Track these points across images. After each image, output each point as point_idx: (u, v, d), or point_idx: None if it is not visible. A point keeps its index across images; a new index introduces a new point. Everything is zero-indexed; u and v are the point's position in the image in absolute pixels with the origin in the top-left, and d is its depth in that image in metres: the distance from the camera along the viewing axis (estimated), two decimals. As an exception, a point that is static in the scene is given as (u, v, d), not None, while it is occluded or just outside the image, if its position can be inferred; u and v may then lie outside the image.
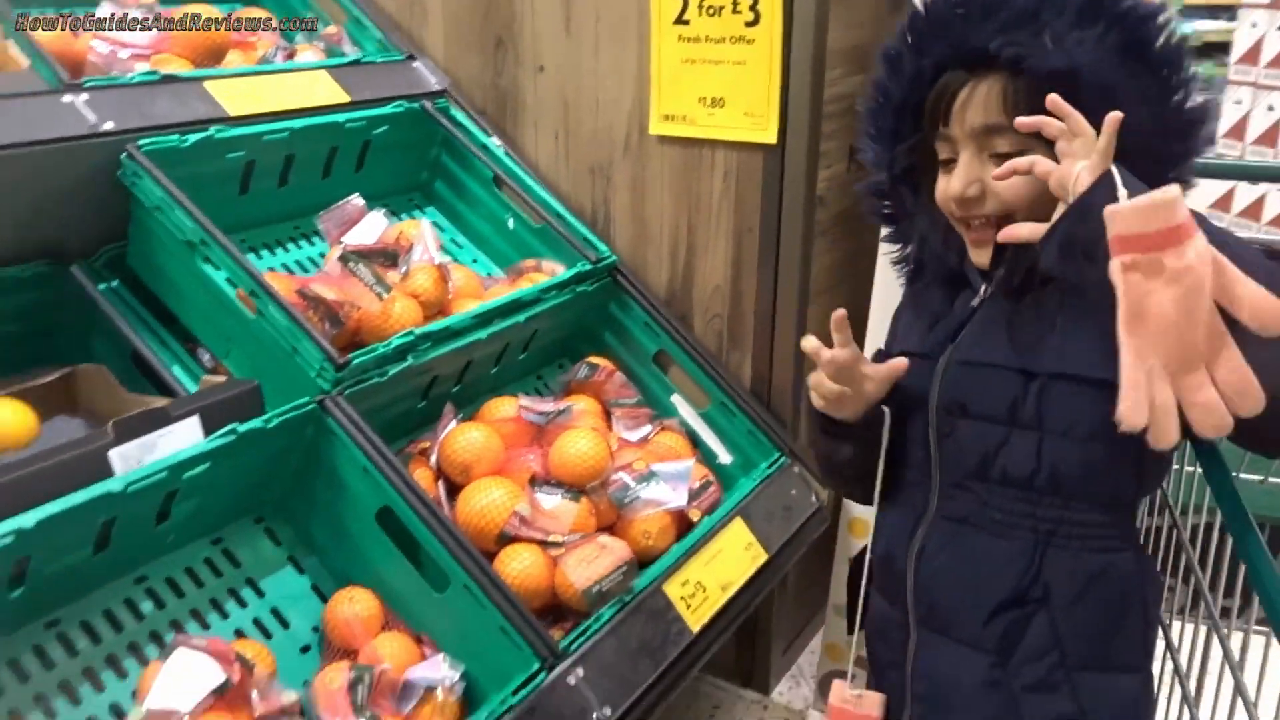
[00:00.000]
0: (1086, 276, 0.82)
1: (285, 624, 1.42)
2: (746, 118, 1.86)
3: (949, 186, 1.01)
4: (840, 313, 1.03)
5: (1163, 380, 0.74)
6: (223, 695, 1.18)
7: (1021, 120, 0.89)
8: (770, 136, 1.84)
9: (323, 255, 1.84)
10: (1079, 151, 0.85)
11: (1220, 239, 0.77)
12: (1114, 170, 0.82)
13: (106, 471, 1.21)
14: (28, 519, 1.09)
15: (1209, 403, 0.73)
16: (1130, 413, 0.74)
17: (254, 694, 1.23)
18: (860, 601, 1.18)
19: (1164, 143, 0.94)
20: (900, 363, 1.06)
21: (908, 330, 1.17)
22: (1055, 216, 0.87)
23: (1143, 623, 1.04)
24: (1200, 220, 0.77)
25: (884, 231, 1.18)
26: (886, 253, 1.21)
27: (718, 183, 1.93)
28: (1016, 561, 1.02)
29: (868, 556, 1.18)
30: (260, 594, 1.43)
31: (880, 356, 1.13)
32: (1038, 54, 0.92)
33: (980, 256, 1.04)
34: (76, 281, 1.58)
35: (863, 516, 1.99)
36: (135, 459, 1.24)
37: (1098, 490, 1.00)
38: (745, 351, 2.00)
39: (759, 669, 2.20)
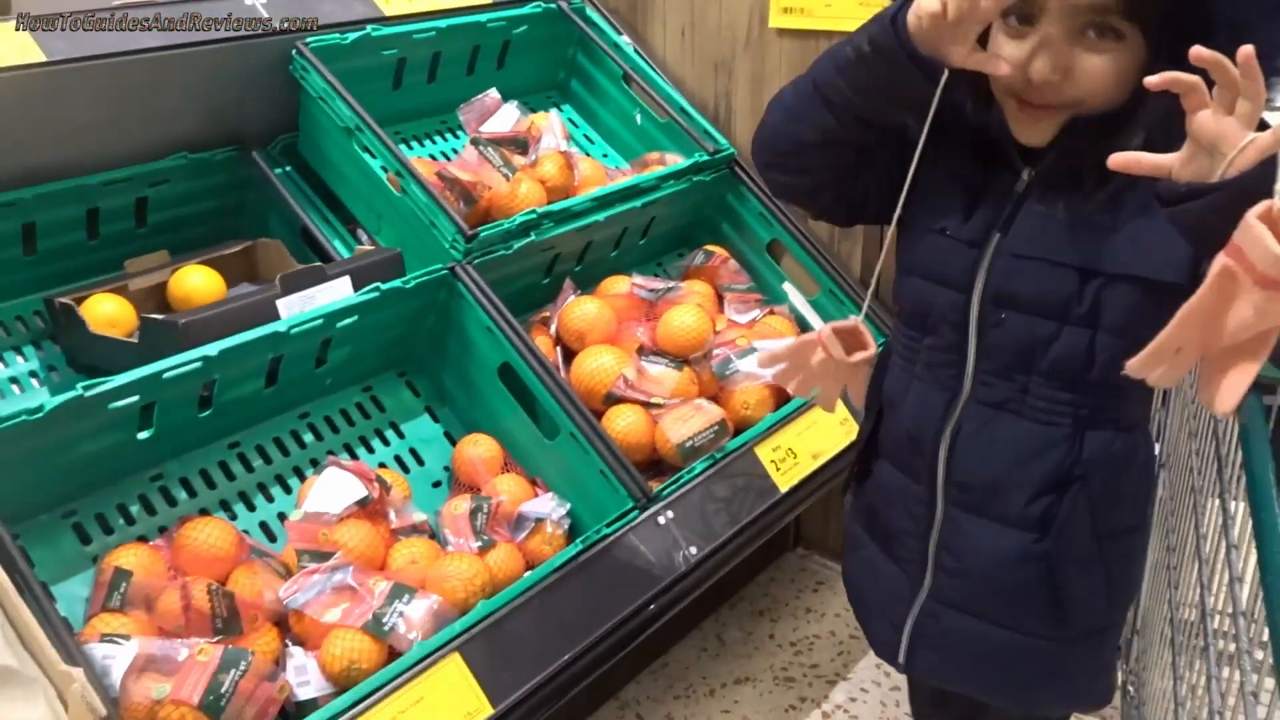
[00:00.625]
0: (1184, 220, 0.80)
1: (421, 462, 1.65)
2: (860, 6, 1.90)
3: (1034, 65, 0.91)
4: None
5: (1192, 349, 0.74)
6: (364, 507, 1.42)
7: (1206, 55, 0.75)
8: (886, 27, 1.88)
9: (459, 149, 2.03)
10: (1243, 115, 0.76)
11: None
12: None
13: (275, 317, 1.45)
14: (212, 348, 1.34)
15: (1213, 387, 0.74)
16: (1141, 367, 0.75)
17: (390, 511, 1.46)
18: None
19: None
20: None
21: (932, 193, 1.07)
22: (1186, 165, 0.80)
23: (1150, 488, 1.10)
24: None
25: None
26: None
27: (834, 75, 1.98)
28: (1059, 446, 1.03)
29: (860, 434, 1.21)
30: (401, 435, 1.67)
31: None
32: None
33: (1036, 136, 0.97)
34: (257, 165, 1.83)
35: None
36: (298, 308, 1.48)
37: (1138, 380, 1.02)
38: (856, 241, 2.07)
39: (865, 549, 2.31)
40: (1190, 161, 0.80)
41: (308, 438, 1.58)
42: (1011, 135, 1.00)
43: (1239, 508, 1.12)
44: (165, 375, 1.30)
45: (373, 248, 1.72)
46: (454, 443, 1.68)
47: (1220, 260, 0.71)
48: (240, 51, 1.70)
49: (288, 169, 1.89)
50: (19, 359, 1.61)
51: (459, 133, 2.08)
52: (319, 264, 1.54)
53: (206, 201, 1.86)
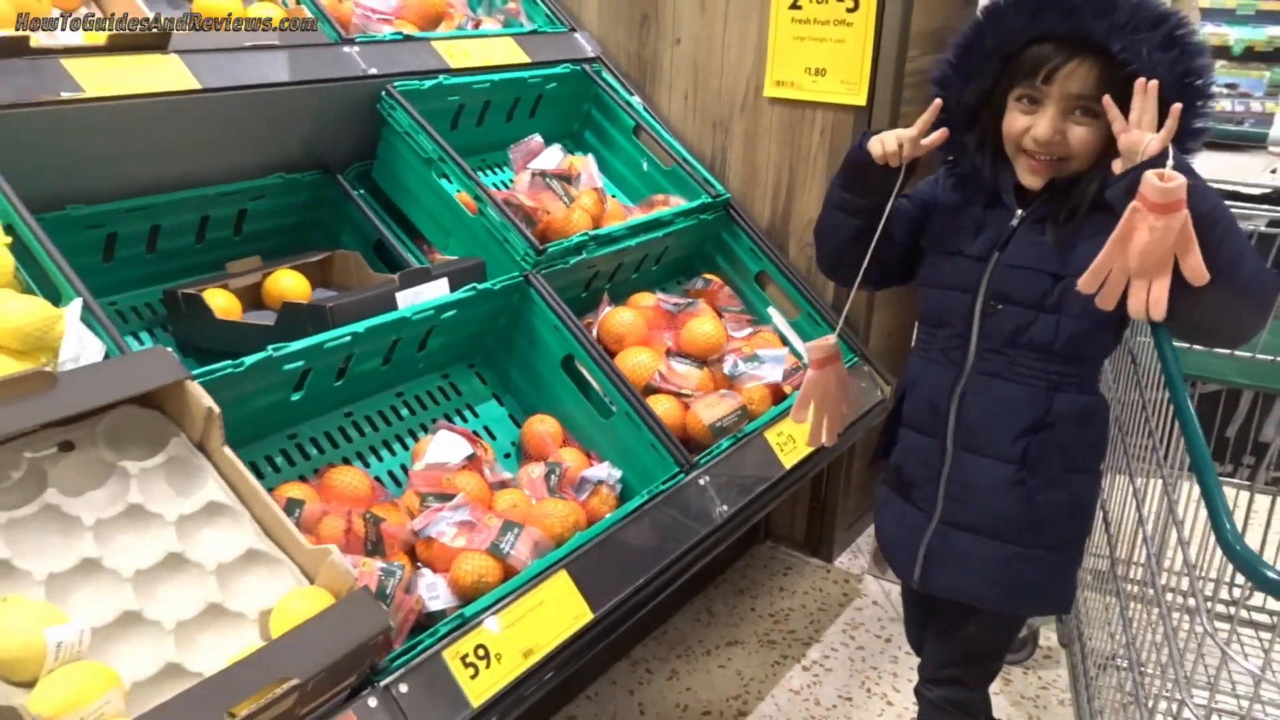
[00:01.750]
0: (1117, 194, 1.27)
1: (493, 437, 1.96)
2: (843, 84, 2.34)
3: (1036, 129, 1.36)
4: (936, 103, 1.44)
5: (1120, 274, 1.22)
6: (470, 462, 1.73)
7: (1109, 104, 1.29)
8: (861, 100, 2.33)
9: (508, 180, 2.37)
10: (1147, 129, 1.25)
11: (1219, 212, 1.21)
12: (1170, 148, 1.21)
13: (394, 307, 1.76)
14: (359, 326, 1.64)
15: (1139, 299, 1.22)
16: (1088, 281, 1.23)
17: (486, 469, 1.77)
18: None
19: (1189, 125, 1.30)
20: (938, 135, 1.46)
21: (950, 229, 1.53)
22: (1120, 167, 1.27)
23: (1104, 441, 1.52)
24: (1206, 192, 1.21)
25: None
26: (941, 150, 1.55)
27: (816, 136, 2.43)
28: (1037, 401, 1.45)
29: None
30: (476, 415, 1.98)
31: (906, 201, 1.56)
32: (1138, 62, 1.30)
33: (1034, 181, 1.41)
34: (340, 187, 2.13)
35: (918, 412, 2.47)
36: (409, 301, 1.79)
37: (1090, 352, 1.46)
38: (830, 275, 2.49)
39: (825, 542, 2.71)
40: (1123, 165, 1.28)
41: (404, 412, 1.88)
42: (1012, 188, 1.46)
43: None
44: (325, 345, 1.60)
45: (457, 258, 2.03)
46: (517, 424, 2.00)
47: (1130, 205, 1.20)
48: (338, 90, 2.02)
49: (360, 192, 2.19)
50: (136, 344, 1.86)
51: (500, 168, 2.42)
52: (426, 266, 1.86)
53: (292, 216, 2.15)
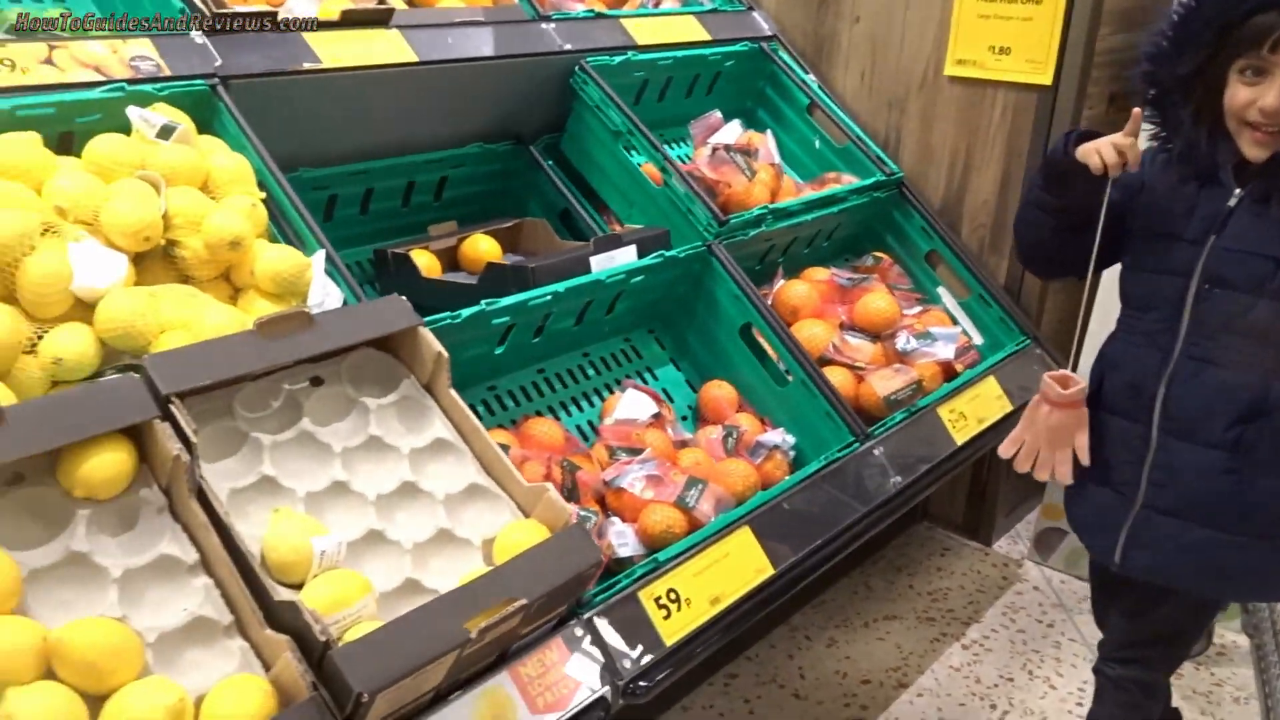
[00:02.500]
0: None
1: (670, 399, 2.04)
2: (1028, 63, 2.31)
3: (1264, 100, 1.31)
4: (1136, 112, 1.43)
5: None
6: (655, 420, 1.81)
7: None
8: (1046, 79, 2.30)
9: (686, 155, 2.44)
10: None
11: None
12: None
13: (587, 270, 1.85)
14: (559, 286, 1.74)
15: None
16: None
17: (669, 428, 1.85)
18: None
19: None
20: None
21: (1161, 211, 1.49)
22: None
23: None
24: None
25: (1147, 112, 1.49)
26: (1146, 131, 1.52)
27: (996, 115, 2.40)
28: (1253, 389, 1.40)
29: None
30: (655, 378, 2.06)
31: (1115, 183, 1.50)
32: None
33: (1260, 153, 1.35)
34: (532, 157, 2.24)
35: (1090, 398, 2.43)
36: (601, 265, 1.88)
37: None
38: (1003, 256, 2.47)
39: (984, 525, 2.69)
40: None
41: (590, 371, 1.98)
42: (1231, 165, 1.41)
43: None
44: (529, 303, 1.71)
45: (644, 226, 2.12)
46: (693, 389, 2.07)
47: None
48: (535, 65, 2.12)
49: (549, 163, 2.30)
50: (353, 298, 2.01)
51: (678, 143, 2.50)
52: (616, 233, 1.95)
53: (485, 184, 2.27)
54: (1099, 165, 1.41)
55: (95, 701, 1.02)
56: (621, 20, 2.31)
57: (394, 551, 1.28)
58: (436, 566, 1.29)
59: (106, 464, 1.13)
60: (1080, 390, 1.47)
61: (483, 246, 2.12)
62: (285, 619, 1.11)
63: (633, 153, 2.14)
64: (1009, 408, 2.21)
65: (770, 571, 1.62)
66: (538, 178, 2.28)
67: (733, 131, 2.37)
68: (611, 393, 1.96)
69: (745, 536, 1.62)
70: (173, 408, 1.17)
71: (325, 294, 1.49)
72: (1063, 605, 2.44)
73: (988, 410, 2.16)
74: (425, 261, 2.02)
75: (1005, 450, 1.55)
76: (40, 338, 1.26)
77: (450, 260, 2.15)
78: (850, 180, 2.48)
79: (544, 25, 2.15)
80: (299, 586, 1.17)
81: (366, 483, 1.33)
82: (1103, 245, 1.55)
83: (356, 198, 2.04)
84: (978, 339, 2.43)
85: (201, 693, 1.07)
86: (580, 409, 1.93)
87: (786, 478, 1.78)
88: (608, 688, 1.36)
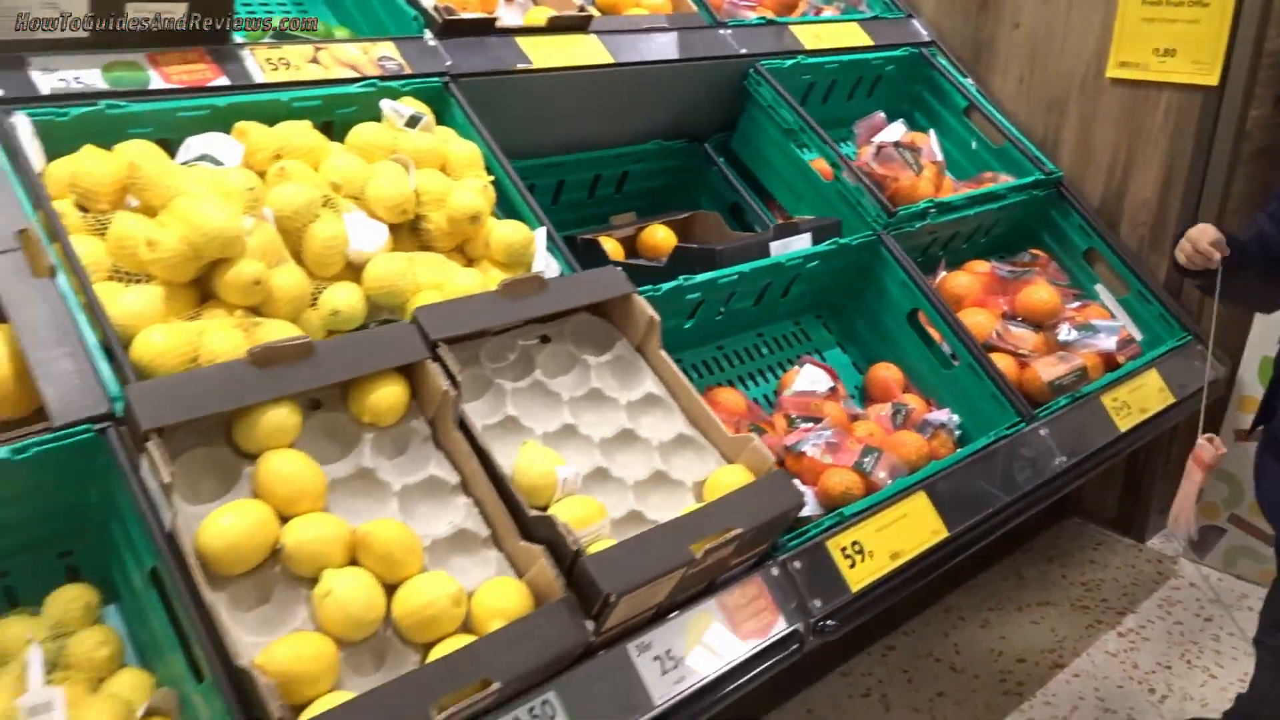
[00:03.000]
0: None
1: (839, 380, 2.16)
2: (1193, 65, 2.35)
3: None
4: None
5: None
6: (831, 394, 1.93)
7: None
8: (1213, 80, 2.33)
9: (849, 154, 2.56)
10: None
11: None
12: None
13: (767, 254, 1.99)
14: (744, 267, 1.88)
15: None
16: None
17: (842, 401, 1.97)
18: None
19: None
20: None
21: None
22: None
23: None
24: None
25: None
26: None
27: (1159, 117, 2.44)
28: None
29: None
30: (823, 359, 2.18)
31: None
32: None
33: None
34: (705, 154, 2.40)
35: (1253, 395, 2.43)
36: (778, 251, 2.01)
37: None
38: (1163, 254, 2.50)
39: (1138, 521, 2.70)
40: None
41: (764, 350, 2.12)
42: None
43: None
44: (719, 281, 1.85)
45: (817, 217, 2.24)
46: (859, 371, 2.19)
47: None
48: (712, 68, 2.28)
49: (720, 160, 2.45)
50: (539, 280, 2.19)
51: (842, 143, 2.61)
52: (794, 220, 2.09)
53: (661, 180, 2.44)
54: (1184, 262, 1.69)
55: (388, 589, 1.21)
56: (791, 27, 2.45)
57: (618, 487, 1.43)
58: (654, 502, 1.44)
59: (388, 395, 1.32)
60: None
61: (660, 235, 2.29)
62: (538, 532, 1.27)
63: (803, 149, 2.27)
64: (1171, 399, 2.25)
65: (945, 534, 1.72)
66: (709, 174, 2.43)
67: (896, 131, 2.47)
68: (785, 371, 2.08)
69: (921, 500, 1.72)
70: (440, 351, 1.36)
71: (546, 265, 1.67)
72: (1220, 601, 2.44)
73: (1150, 401, 2.20)
74: (611, 247, 2.20)
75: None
76: (319, 294, 1.47)
77: (630, 248, 2.32)
78: (1007, 180, 2.55)
79: (721, 31, 2.31)
80: (543, 508, 1.33)
81: (591, 428, 1.49)
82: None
83: (550, 188, 2.23)
84: (1137, 335, 2.46)
85: (468, 592, 1.24)
86: (755, 384, 2.06)
87: (958, 451, 1.87)
88: (800, 623, 1.49)
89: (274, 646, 1.10)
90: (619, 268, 1.63)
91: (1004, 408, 1.99)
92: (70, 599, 1.20)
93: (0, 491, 1.14)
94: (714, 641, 1.39)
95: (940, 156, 2.45)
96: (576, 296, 1.56)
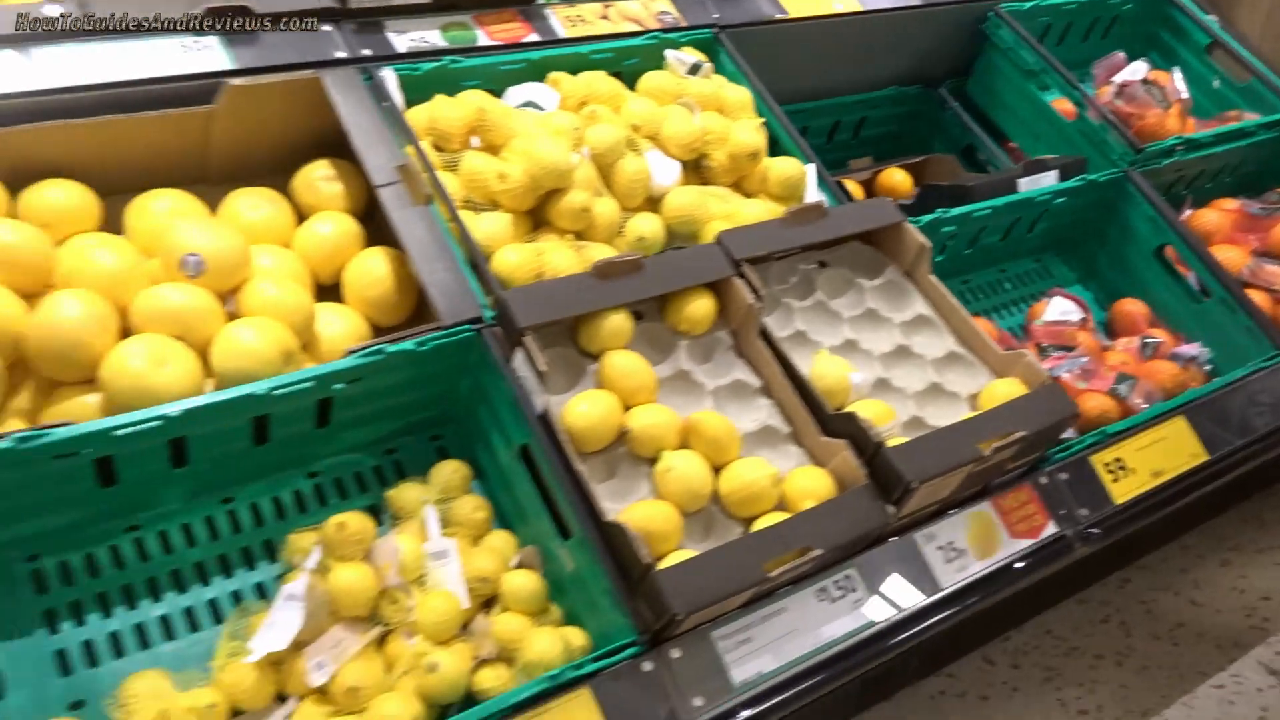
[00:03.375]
0: None
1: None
2: None
3: None
4: None
5: None
6: (1081, 324, 2.00)
7: None
8: None
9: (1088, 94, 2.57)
10: None
11: None
12: None
13: (1014, 190, 2.06)
14: (997, 201, 1.97)
15: None
16: None
17: (1090, 333, 2.03)
18: None
19: None
20: None
21: None
22: None
23: None
24: None
25: None
26: None
27: None
28: None
29: None
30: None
31: None
32: None
33: None
34: (939, 98, 2.47)
35: None
36: (1025, 187, 2.08)
37: None
38: None
39: (1386, 470, 2.61)
40: None
41: (1007, 285, 2.20)
42: None
43: None
44: (973, 214, 1.95)
45: (1062, 155, 2.28)
46: (1101, 307, 2.23)
47: None
48: (950, 13, 2.34)
49: (954, 104, 2.52)
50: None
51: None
52: (1044, 157, 2.15)
53: (894, 125, 2.53)
54: None
55: (713, 470, 1.39)
56: (1029, -30, 2.47)
57: (899, 397, 1.57)
58: (932, 411, 1.57)
59: (701, 307, 1.49)
60: None
61: (897, 178, 2.38)
62: (839, 428, 1.42)
63: (1044, 90, 2.31)
64: None
65: (1204, 457, 1.76)
66: (943, 118, 2.50)
67: (1139, 69, 2.47)
68: (1028, 306, 2.15)
69: (1180, 425, 1.77)
70: (744, 269, 1.52)
71: (817, 199, 1.81)
72: None
73: None
74: (852, 188, 2.31)
75: None
76: (624, 222, 1.66)
77: (869, 191, 2.42)
78: (1251, 118, 2.50)
79: (951, -21, 2.37)
80: (839, 410, 1.48)
81: (870, 344, 1.62)
82: None
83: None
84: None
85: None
86: (1000, 318, 2.14)
87: (1210, 382, 1.90)
88: (1069, 529, 1.58)
89: (631, 509, 1.30)
90: (888, 199, 1.75)
91: (1260, 342, 1.99)
92: (451, 471, 1.44)
93: (399, 378, 1.39)
94: (990, 538, 1.51)
95: (1186, 94, 2.43)
96: (852, 224, 1.69)
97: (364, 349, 1.32)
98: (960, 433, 1.43)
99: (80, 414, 1.25)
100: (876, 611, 1.39)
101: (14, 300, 1.26)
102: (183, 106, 1.48)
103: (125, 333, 1.30)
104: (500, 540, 1.41)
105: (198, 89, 1.49)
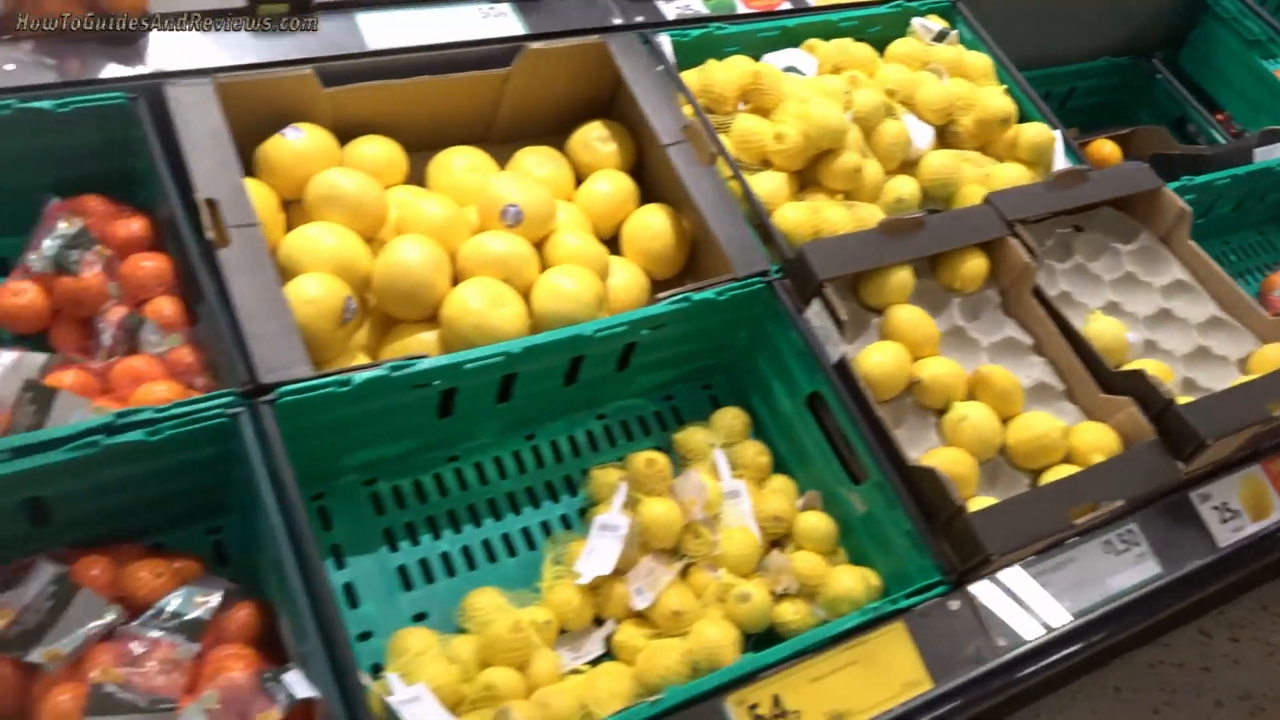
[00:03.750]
0: None
1: None
2: None
3: None
4: None
5: None
6: None
7: None
8: None
9: None
10: None
11: None
12: None
13: (1249, 160, 2.03)
14: (1236, 170, 1.95)
15: None
16: None
17: None
18: None
19: None
20: None
21: None
22: None
23: None
24: None
25: None
26: None
27: None
28: None
29: None
30: (1289, 268, 2.20)
31: None
32: None
33: None
34: (1149, 69, 2.45)
35: None
36: (1262, 157, 2.05)
37: None
38: None
39: None
40: None
41: (1232, 258, 2.18)
42: None
43: None
44: (1215, 183, 1.93)
45: (1284, 127, 2.25)
46: None
47: None
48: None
49: (1167, 74, 2.49)
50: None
51: None
52: (1277, 128, 2.11)
53: (1098, 97, 2.52)
54: None
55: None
56: (1250, -63, 2.42)
57: (1167, 359, 1.58)
58: (1203, 374, 1.58)
59: (976, 266, 1.53)
60: None
61: (1106, 149, 2.36)
62: (1121, 385, 1.45)
63: (1268, 60, 2.27)
64: None
65: None
66: (1151, 89, 2.47)
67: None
68: (1254, 279, 2.13)
69: None
70: (1018, 229, 1.55)
71: (1063, 165, 1.83)
72: None
73: None
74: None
75: None
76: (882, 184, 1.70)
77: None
78: None
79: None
80: (1115, 368, 1.50)
81: (1131, 307, 1.64)
82: None
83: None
84: None
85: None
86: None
87: None
88: (1337, 495, 1.58)
89: (932, 454, 1.35)
90: (1144, 164, 1.75)
91: None
92: (732, 417, 1.51)
93: (692, 327, 1.46)
94: (1262, 500, 1.52)
95: None
96: (1111, 189, 1.70)
97: (672, 296, 1.39)
98: (1250, 393, 1.44)
99: (417, 349, 1.34)
100: (1158, 567, 1.41)
101: (362, 244, 1.36)
102: (483, 69, 1.57)
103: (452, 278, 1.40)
104: (783, 484, 1.47)
105: (496, 53, 1.58)
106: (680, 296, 1.39)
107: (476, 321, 1.31)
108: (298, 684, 1.04)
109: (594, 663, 1.29)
